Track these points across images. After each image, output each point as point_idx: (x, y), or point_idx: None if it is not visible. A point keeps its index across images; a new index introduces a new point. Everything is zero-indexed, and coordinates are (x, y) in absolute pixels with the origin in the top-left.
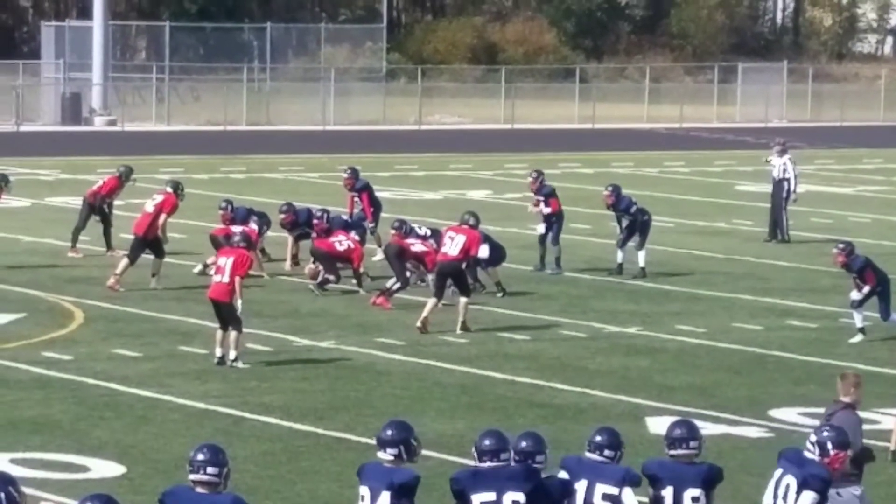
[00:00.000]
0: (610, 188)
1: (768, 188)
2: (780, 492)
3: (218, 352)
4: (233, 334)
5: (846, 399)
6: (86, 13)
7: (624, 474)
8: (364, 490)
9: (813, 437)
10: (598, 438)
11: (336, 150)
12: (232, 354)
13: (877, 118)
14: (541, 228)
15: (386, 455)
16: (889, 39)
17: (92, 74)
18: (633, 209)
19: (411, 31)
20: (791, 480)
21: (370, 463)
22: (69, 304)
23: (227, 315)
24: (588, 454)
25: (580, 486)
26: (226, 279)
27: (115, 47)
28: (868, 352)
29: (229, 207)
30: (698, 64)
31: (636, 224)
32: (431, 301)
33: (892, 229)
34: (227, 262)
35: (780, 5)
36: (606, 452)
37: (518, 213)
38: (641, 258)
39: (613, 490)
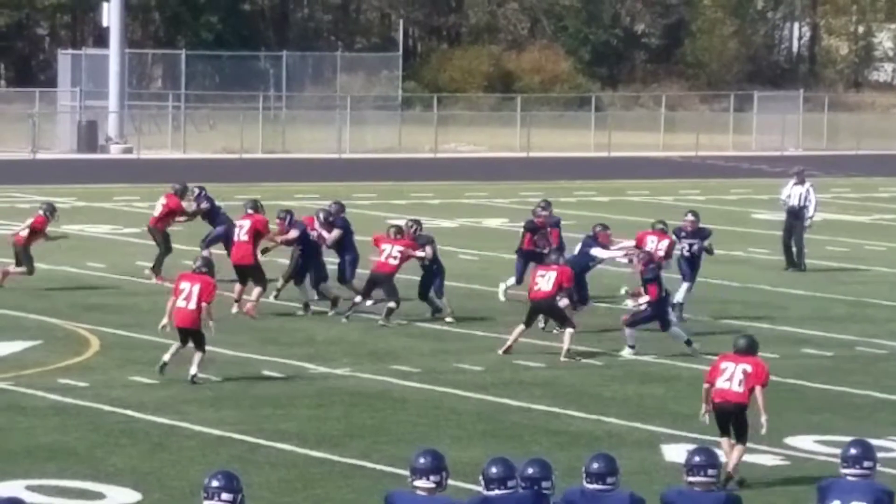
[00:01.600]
0: (692, 215)
1: (783, 216)
2: None
3: (166, 357)
4: (197, 354)
5: None
6: (102, 41)
7: (628, 501)
8: None
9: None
10: (596, 466)
11: (352, 178)
12: (194, 370)
13: (893, 147)
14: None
15: (427, 483)
16: None
17: (108, 102)
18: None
19: (427, 60)
20: None
21: (400, 492)
22: (85, 332)
23: (194, 340)
24: (588, 485)
25: None
26: (192, 306)
27: (131, 75)
28: (883, 380)
29: (288, 218)
30: (714, 92)
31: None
32: (519, 328)
33: None
34: (192, 288)
35: (796, 34)
36: (609, 480)
37: None
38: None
39: None
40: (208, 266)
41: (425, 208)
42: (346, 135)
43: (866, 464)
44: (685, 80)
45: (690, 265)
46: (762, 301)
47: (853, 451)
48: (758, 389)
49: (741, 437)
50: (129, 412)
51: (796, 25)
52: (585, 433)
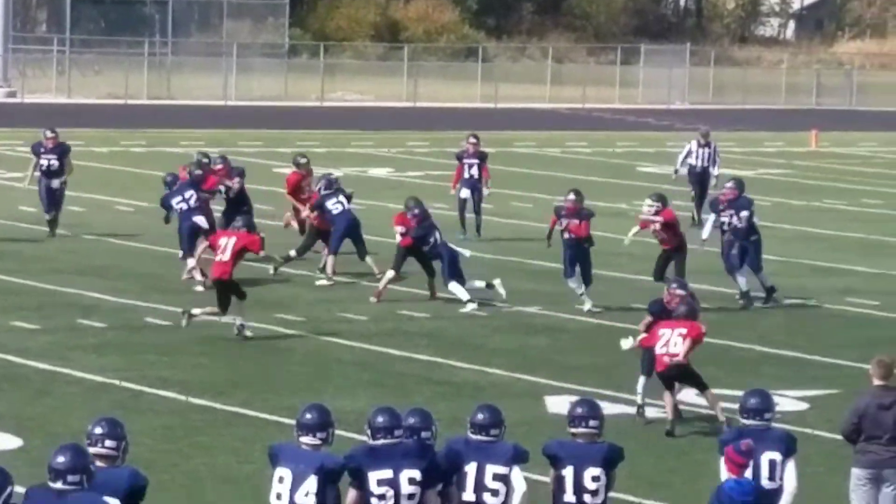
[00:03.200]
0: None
1: (669, 169)
2: (764, 472)
3: (196, 311)
4: (240, 304)
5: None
6: None
7: (512, 453)
8: (284, 472)
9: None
10: (481, 417)
11: (238, 126)
12: (239, 320)
13: (778, 102)
14: (464, 193)
15: (312, 440)
16: (791, 24)
17: None
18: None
19: (314, 8)
20: (775, 456)
21: (286, 444)
22: None
23: (232, 292)
24: (473, 435)
25: (470, 469)
26: (226, 258)
27: (14, 18)
28: (767, 334)
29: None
30: (601, 45)
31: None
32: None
33: (791, 212)
34: (228, 241)
35: None
36: (492, 432)
37: (420, 190)
38: (764, 279)
39: (503, 469)
40: (247, 226)
41: (312, 157)
42: (233, 82)
43: (767, 415)
44: (572, 32)
45: (739, 248)
46: (648, 254)
47: (753, 401)
48: (688, 341)
49: (701, 385)
50: (11, 357)
51: None
52: (469, 384)
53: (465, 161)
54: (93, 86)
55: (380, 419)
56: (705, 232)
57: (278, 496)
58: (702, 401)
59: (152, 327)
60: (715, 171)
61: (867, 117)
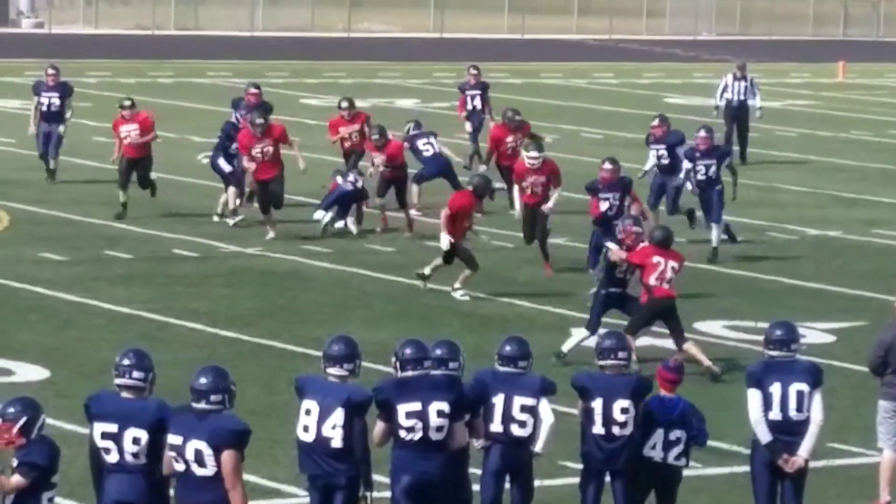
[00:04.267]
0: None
1: (696, 100)
2: (792, 404)
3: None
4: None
5: None
6: None
7: (540, 384)
8: (311, 404)
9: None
10: (509, 349)
11: (264, 57)
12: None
13: (805, 32)
14: (468, 127)
15: (339, 371)
16: None
17: None
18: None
19: None
20: (802, 387)
21: (312, 376)
22: None
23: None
24: (500, 367)
25: (497, 401)
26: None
27: None
28: (792, 266)
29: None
30: None
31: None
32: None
33: (818, 143)
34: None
35: None
36: (520, 364)
37: (445, 121)
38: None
39: (531, 401)
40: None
41: (338, 87)
42: (259, 13)
43: (794, 346)
44: None
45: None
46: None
47: (779, 332)
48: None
49: (682, 334)
50: (38, 289)
51: None
52: (496, 316)
53: (468, 92)
54: (120, 16)
55: (408, 351)
56: (647, 164)
57: (305, 428)
58: (728, 333)
59: (179, 258)
60: (756, 102)
61: (894, 48)
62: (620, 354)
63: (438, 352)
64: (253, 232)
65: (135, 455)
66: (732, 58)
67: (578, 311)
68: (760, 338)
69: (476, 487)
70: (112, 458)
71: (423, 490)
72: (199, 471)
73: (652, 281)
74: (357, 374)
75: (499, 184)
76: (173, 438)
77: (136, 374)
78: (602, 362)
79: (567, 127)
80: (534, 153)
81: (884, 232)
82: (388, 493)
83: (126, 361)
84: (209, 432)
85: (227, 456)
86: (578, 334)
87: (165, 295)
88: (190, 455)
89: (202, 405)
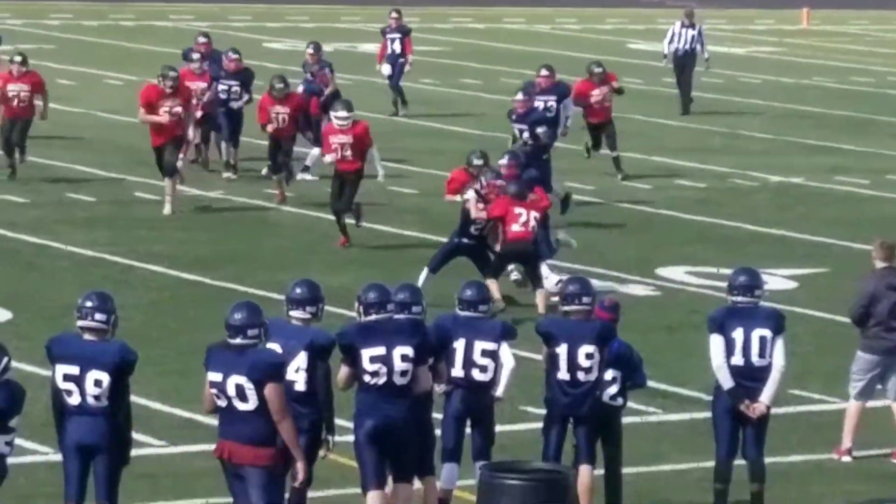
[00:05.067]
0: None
1: (659, 46)
2: (755, 350)
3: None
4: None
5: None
6: None
7: (501, 329)
8: (274, 347)
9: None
10: (469, 293)
11: (227, 0)
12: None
13: None
14: (386, 69)
15: (303, 314)
16: None
17: None
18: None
19: None
20: (765, 333)
21: (276, 319)
22: None
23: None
24: (461, 312)
25: (458, 345)
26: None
27: None
28: (756, 212)
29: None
30: None
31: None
32: None
33: (783, 90)
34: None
35: None
36: (481, 308)
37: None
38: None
39: (492, 346)
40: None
41: (300, 32)
42: None
43: (757, 292)
44: None
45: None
46: (636, 131)
47: (743, 278)
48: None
49: (540, 280)
50: (1, 231)
51: None
52: (460, 262)
53: (388, 36)
54: None
55: (371, 295)
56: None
57: None
58: (690, 279)
59: (141, 202)
60: (704, 53)
61: None
62: (585, 300)
63: (401, 296)
64: (215, 175)
65: (96, 397)
66: (697, 4)
67: None
68: (723, 284)
69: (438, 432)
70: (74, 400)
71: (386, 434)
72: (240, 405)
73: (513, 228)
74: (320, 317)
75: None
76: (213, 375)
77: (98, 315)
78: (566, 308)
79: (529, 72)
80: (342, 112)
81: (846, 179)
82: (351, 437)
83: (88, 303)
84: (249, 367)
85: (271, 389)
86: (422, 275)
87: (128, 238)
88: (231, 390)
89: (239, 340)
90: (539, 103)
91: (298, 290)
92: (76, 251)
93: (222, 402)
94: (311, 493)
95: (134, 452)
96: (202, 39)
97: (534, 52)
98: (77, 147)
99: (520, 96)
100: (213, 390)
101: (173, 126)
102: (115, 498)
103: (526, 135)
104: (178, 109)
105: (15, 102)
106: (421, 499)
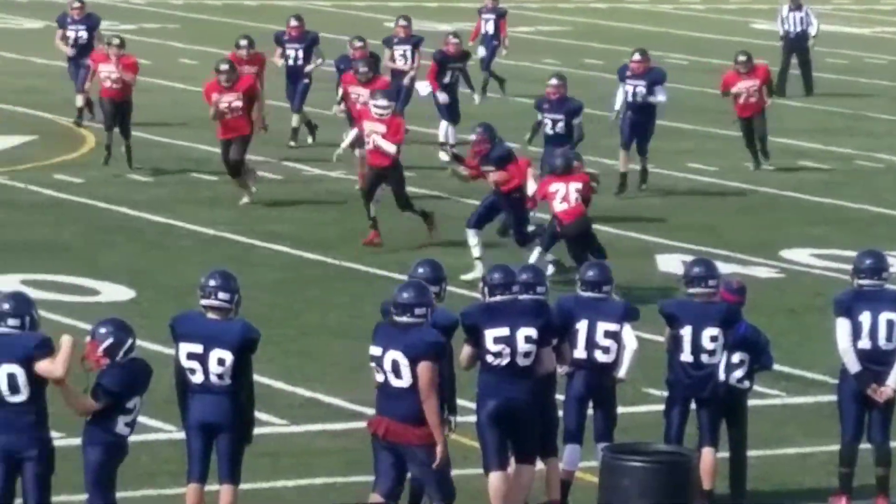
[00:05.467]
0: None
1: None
2: (882, 333)
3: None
4: None
5: None
6: None
7: (623, 310)
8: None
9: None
10: (591, 274)
11: None
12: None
13: None
14: (481, 51)
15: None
16: None
17: None
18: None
19: None
20: (892, 316)
21: None
22: (81, 128)
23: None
24: (583, 293)
25: (581, 326)
26: None
27: None
28: (881, 194)
29: None
30: None
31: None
32: None
33: None
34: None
35: None
36: (604, 288)
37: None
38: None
39: (614, 327)
40: None
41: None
42: None
43: (884, 274)
44: None
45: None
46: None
47: (869, 261)
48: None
49: (600, 251)
50: (125, 209)
51: None
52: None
53: (483, 16)
54: None
55: (496, 276)
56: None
57: None
58: (814, 261)
59: (264, 181)
60: (812, 31)
61: None
62: (710, 282)
63: (525, 276)
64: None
65: (220, 376)
66: None
67: (663, 238)
68: (848, 266)
69: (560, 413)
70: (197, 378)
71: (508, 415)
72: (395, 381)
73: (557, 207)
74: (443, 297)
75: None
76: (374, 350)
77: (222, 295)
78: (692, 290)
79: (653, 52)
80: (382, 101)
81: None
82: (473, 418)
83: (212, 282)
84: (406, 344)
85: (424, 367)
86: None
87: (250, 217)
88: (388, 366)
89: (405, 318)
90: (628, 87)
91: (421, 270)
92: (198, 230)
93: (380, 377)
94: None
95: (256, 431)
96: (294, 23)
97: (656, 33)
98: (200, 126)
99: (554, 81)
100: (373, 364)
101: (238, 123)
102: (237, 476)
103: (561, 125)
104: (238, 104)
105: (108, 83)
106: (543, 480)
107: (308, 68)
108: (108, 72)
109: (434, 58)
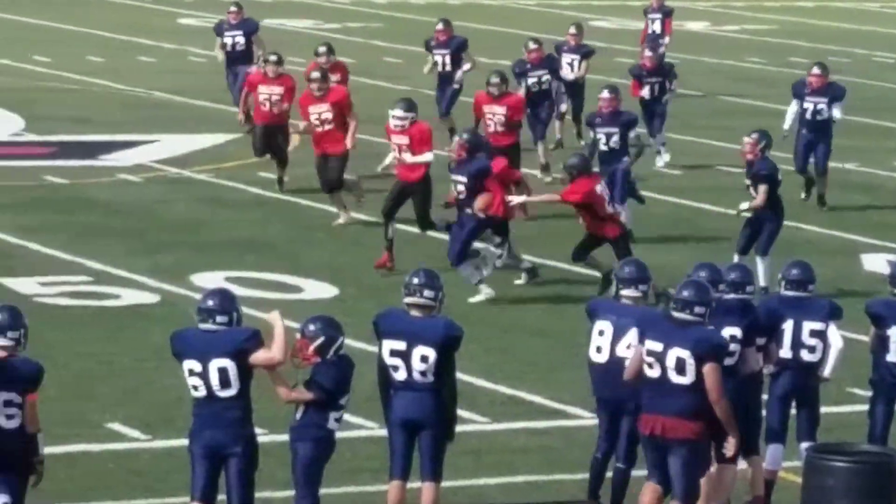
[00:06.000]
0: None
1: None
2: None
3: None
4: None
5: None
6: None
7: (829, 309)
8: (604, 325)
9: None
10: (796, 272)
11: None
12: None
13: None
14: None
15: (634, 293)
16: None
17: None
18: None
19: None
20: None
21: (605, 299)
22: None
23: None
24: (786, 292)
25: (787, 326)
26: None
27: None
28: None
29: None
30: None
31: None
32: None
33: None
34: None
35: None
36: (809, 287)
37: None
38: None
39: (820, 326)
40: None
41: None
42: None
43: None
44: None
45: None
46: None
47: None
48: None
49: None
50: (327, 207)
51: None
52: (784, 240)
53: (650, 16)
54: None
55: (703, 275)
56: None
57: (598, 349)
58: None
59: None
60: None
61: None
62: None
63: (732, 276)
64: (532, 153)
65: (423, 373)
66: None
67: (869, 237)
68: None
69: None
70: (400, 375)
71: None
72: (676, 378)
73: (610, 209)
74: (647, 296)
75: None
76: (652, 344)
77: (426, 292)
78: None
79: (859, 51)
80: (399, 111)
81: None
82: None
83: (417, 280)
84: (694, 342)
85: (711, 368)
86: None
87: (450, 216)
88: (671, 362)
89: (684, 315)
90: (808, 105)
91: (627, 269)
92: (401, 228)
93: (654, 373)
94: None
95: (458, 429)
96: (440, 27)
97: (862, 31)
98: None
99: (606, 94)
100: (650, 359)
101: (331, 137)
102: (439, 474)
103: (615, 139)
104: (329, 115)
105: (267, 107)
106: (746, 479)
107: (458, 75)
108: (267, 93)
109: (631, 72)
